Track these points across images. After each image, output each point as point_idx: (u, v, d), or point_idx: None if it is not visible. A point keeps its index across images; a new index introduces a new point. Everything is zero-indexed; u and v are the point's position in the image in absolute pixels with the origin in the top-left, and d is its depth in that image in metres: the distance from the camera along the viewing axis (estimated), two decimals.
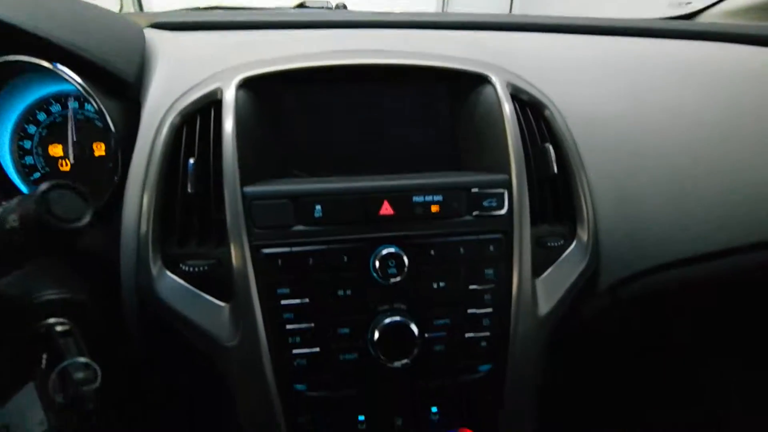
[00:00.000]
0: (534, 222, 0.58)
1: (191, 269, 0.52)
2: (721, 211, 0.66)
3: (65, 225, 0.37)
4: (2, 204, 0.40)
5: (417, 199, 0.52)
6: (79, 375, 0.37)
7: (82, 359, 0.39)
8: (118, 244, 0.54)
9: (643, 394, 0.97)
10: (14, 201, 0.38)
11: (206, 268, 0.52)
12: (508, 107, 0.58)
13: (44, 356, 0.40)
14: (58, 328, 0.42)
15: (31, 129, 0.61)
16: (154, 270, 0.53)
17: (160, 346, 0.56)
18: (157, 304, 0.52)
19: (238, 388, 0.52)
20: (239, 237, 0.51)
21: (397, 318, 0.50)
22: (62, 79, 0.54)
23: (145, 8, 1.48)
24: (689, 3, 1.04)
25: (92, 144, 0.62)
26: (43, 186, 0.36)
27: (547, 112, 0.62)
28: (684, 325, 0.86)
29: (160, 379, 0.59)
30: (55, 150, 0.62)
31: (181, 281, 0.53)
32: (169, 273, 0.53)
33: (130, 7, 1.40)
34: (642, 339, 0.86)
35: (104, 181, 0.56)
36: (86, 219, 0.38)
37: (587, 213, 0.61)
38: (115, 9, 1.09)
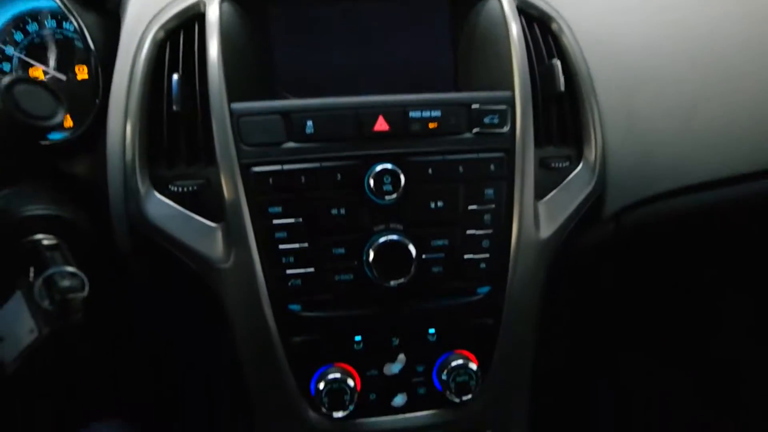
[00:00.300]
0: (538, 143, 0.55)
1: (180, 189, 0.51)
2: (731, 136, 0.63)
3: (36, 122, 0.35)
4: None
5: (414, 114, 0.50)
6: (65, 283, 0.36)
7: (68, 268, 0.38)
8: (104, 169, 0.52)
9: (642, 329, 0.97)
10: None
11: (195, 188, 0.50)
12: (514, 23, 0.54)
13: (31, 268, 0.39)
14: (45, 242, 0.41)
15: (9, 50, 0.58)
16: (143, 192, 0.51)
17: (153, 270, 0.55)
18: (147, 227, 0.51)
19: (233, 309, 0.51)
20: (228, 155, 0.49)
21: (394, 236, 0.49)
22: None
23: None
24: None
25: (74, 67, 0.59)
26: (6, 79, 0.34)
27: (555, 26, 0.58)
28: (687, 257, 0.85)
29: (153, 304, 0.59)
30: (36, 73, 0.59)
31: (171, 203, 0.51)
32: (157, 194, 0.51)
33: None
34: (644, 272, 0.85)
35: (86, 104, 0.54)
36: (59, 117, 0.36)
37: (595, 134, 0.58)
38: None
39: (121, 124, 0.52)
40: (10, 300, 0.38)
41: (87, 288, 0.38)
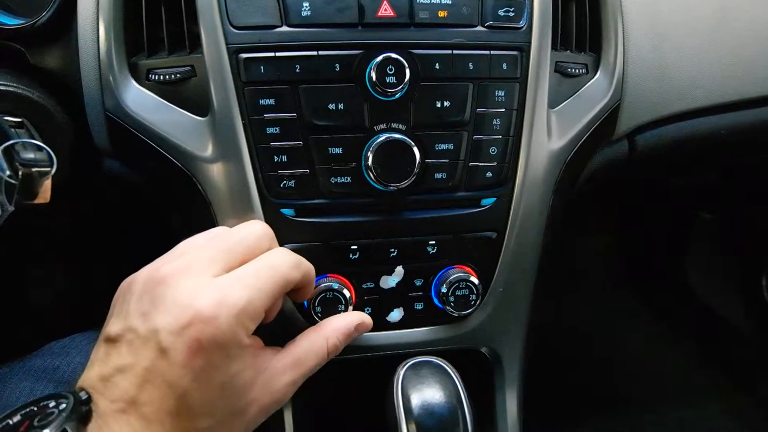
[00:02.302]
0: (555, 46, 0.51)
1: (162, 78, 0.46)
2: (755, 54, 0.59)
3: None
4: None
5: (422, 0, 0.45)
6: (29, 155, 0.32)
7: (34, 141, 0.34)
8: (76, 60, 0.47)
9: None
10: None
11: (179, 75, 0.46)
12: None
13: None
14: (8, 118, 0.37)
15: None
16: (121, 83, 0.47)
17: (135, 167, 0.51)
18: (126, 120, 0.46)
19: (221, 213, 0.47)
20: (214, 39, 0.44)
21: (396, 135, 0.45)
22: None
23: None
24: None
25: None
26: None
27: None
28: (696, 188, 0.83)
29: (135, 200, 0.55)
30: None
31: (152, 93, 0.47)
32: (137, 84, 0.47)
33: None
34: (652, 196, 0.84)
35: None
36: None
37: (616, 41, 0.53)
38: None
39: (93, 7, 0.47)
40: None
41: (55, 165, 0.34)
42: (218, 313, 0.34)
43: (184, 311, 0.34)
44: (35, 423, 0.30)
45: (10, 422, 0.30)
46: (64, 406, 0.31)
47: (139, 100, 0.47)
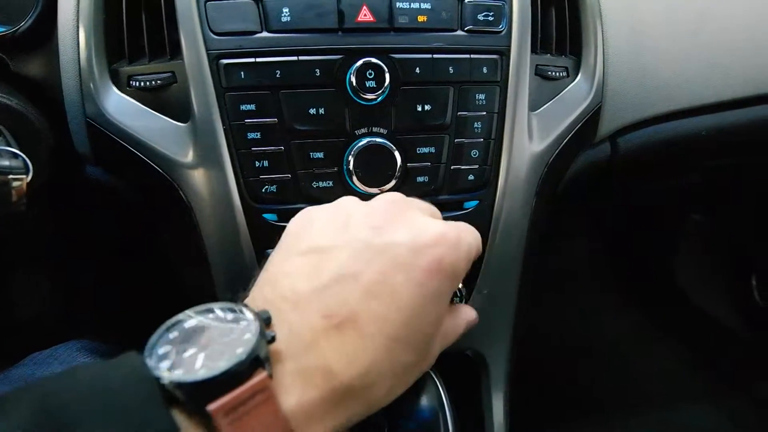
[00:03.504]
0: (535, 49, 0.52)
1: (143, 84, 0.46)
2: (734, 57, 0.60)
3: None
4: None
5: (401, 5, 0.45)
6: (4, 162, 0.32)
7: (9, 149, 0.33)
8: (57, 68, 0.47)
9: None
10: None
11: (159, 82, 0.46)
12: None
13: None
14: None
15: None
16: (101, 89, 0.46)
17: (116, 173, 0.51)
18: (107, 127, 0.46)
19: (203, 220, 0.47)
20: (194, 45, 0.44)
21: (378, 139, 0.45)
22: None
23: None
24: None
25: None
26: None
27: None
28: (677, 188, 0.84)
29: (118, 207, 0.55)
30: None
31: (133, 100, 0.47)
32: (117, 91, 0.47)
33: None
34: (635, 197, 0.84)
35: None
36: None
37: (596, 44, 0.54)
38: None
39: (74, 14, 0.47)
40: None
41: (31, 172, 0.34)
42: (460, 243, 0.33)
43: (428, 230, 0.32)
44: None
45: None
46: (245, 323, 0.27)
47: (120, 106, 0.47)
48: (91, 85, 0.46)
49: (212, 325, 0.27)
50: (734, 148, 0.68)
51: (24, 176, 0.34)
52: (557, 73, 0.53)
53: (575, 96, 0.54)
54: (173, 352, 0.26)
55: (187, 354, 0.26)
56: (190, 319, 0.28)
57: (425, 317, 0.31)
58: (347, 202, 0.38)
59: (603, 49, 0.54)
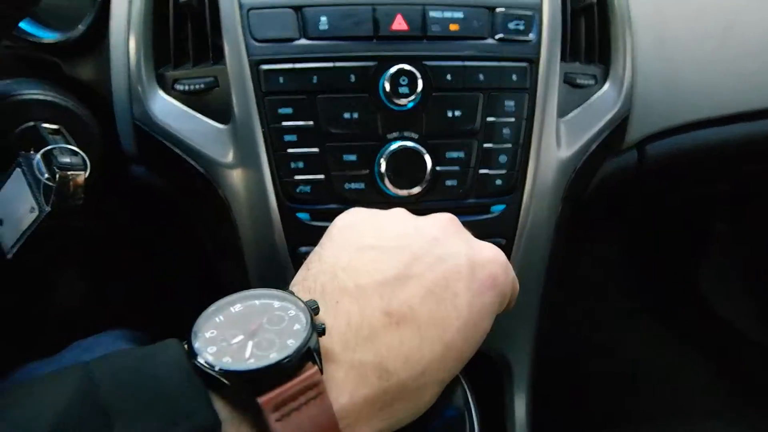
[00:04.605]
0: (564, 57, 0.52)
1: (187, 88, 0.49)
2: (763, 65, 0.60)
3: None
4: None
5: (434, 14, 0.47)
6: (66, 159, 0.35)
7: (70, 146, 0.36)
8: (108, 72, 0.50)
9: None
10: None
11: (202, 86, 0.48)
12: None
13: (32, 149, 0.38)
14: (46, 125, 0.39)
15: None
16: (148, 92, 0.49)
17: (159, 172, 0.54)
18: (153, 128, 0.49)
19: (240, 215, 0.49)
20: (237, 51, 0.46)
21: (409, 143, 0.47)
22: None
23: None
24: None
25: None
26: None
27: None
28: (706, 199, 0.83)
29: (159, 205, 0.58)
30: None
31: (177, 103, 0.49)
32: (163, 94, 0.50)
33: None
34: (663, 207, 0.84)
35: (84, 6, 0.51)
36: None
37: (625, 53, 0.54)
38: None
39: (125, 22, 0.49)
40: (8, 179, 0.37)
41: (89, 169, 0.36)
42: (509, 268, 0.34)
43: (484, 249, 0.33)
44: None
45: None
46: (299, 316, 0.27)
47: (165, 109, 0.49)
48: (139, 89, 0.49)
49: (260, 312, 0.27)
50: (764, 156, 0.67)
51: (83, 172, 0.36)
52: (586, 81, 0.54)
53: (603, 103, 0.55)
54: (219, 337, 0.26)
55: (234, 341, 0.26)
56: (237, 303, 0.28)
57: (477, 328, 0.31)
58: (402, 211, 0.38)
59: (632, 57, 0.55)
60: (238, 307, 0.28)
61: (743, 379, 0.99)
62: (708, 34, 0.58)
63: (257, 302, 0.28)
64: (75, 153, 0.36)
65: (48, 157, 0.35)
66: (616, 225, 0.88)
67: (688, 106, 0.58)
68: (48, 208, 0.35)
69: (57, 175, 0.34)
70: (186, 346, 0.26)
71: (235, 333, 0.26)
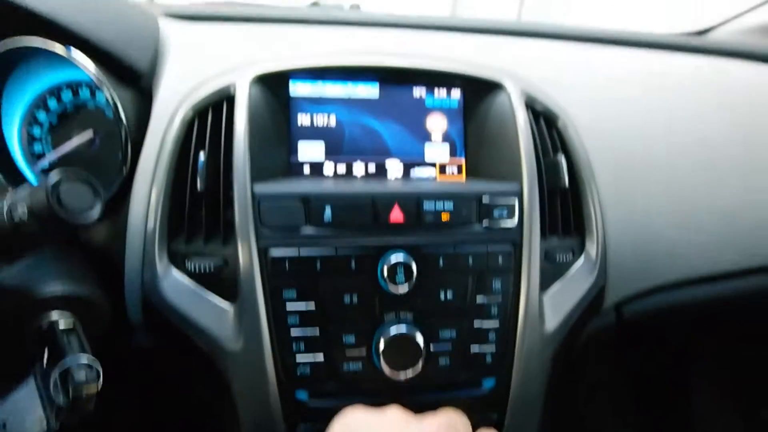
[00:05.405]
0: (543, 234, 0.57)
1: (197, 268, 0.51)
2: (728, 231, 0.66)
3: (76, 218, 0.36)
4: (10, 192, 0.39)
5: (428, 206, 0.52)
6: (81, 376, 0.36)
7: (84, 360, 0.38)
8: (123, 238, 0.53)
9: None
10: (24, 191, 0.37)
11: (212, 268, 0.51)
12: (522, 116, 0.57)
13: (46, 353, 0.39)
14: (61, 326, 0.41)
15: (41, 116, 0.60)
16: (160, 266, 0.52)
17: (163, 344, 0.55)
18: (160, 302, 0.51)
19: (239, 392, 0.51)
20: (247, 237, 0.50)
21: (404, 329, 0.50)
22: (74, 67, 0.52)
23: None
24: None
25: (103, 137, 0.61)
26: (54, 177, 0.35)
27: (560, 123, 0.62)
28: (682, 351, 0.86)
29: (161, 379, 0.58)
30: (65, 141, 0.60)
31: (186, 280, 0.52)
32: (174, 270, 0.52)
33: None
34: (643, 361, 0.86)
35: (112, 173, 0.55)
36: (96, 212, 0.37)
37: (597, 227, 0.60)
38: None
39: (146, 195, 0.53)
40: (22, 386, 0.38)
41: (101, 380, 0.38)
42: None
43: None
44: None
45: None
46: None
47: (175, 287, 0.51)
48: (152, 262, 0.51)
49: None
50: (737, 314, 0.72)
51: (95, 383, 0.38)
52: (564, 257, 0.59)
53: (581, 275, 0.59)
54: None
55: None
56: None
57: None
58: (400, 414, 0.40)
59: (603, 231, 0.60)
60: None
61: None
62: (674, 207, 0.64)
63: None
64: (90, 366, 0.37)
65: (65, 375, 0.36)
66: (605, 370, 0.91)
67: (659, 271, 0.63)
68: (56, 426, 0.35)
69: (71, 394, 0.35)
70: None
71: None
